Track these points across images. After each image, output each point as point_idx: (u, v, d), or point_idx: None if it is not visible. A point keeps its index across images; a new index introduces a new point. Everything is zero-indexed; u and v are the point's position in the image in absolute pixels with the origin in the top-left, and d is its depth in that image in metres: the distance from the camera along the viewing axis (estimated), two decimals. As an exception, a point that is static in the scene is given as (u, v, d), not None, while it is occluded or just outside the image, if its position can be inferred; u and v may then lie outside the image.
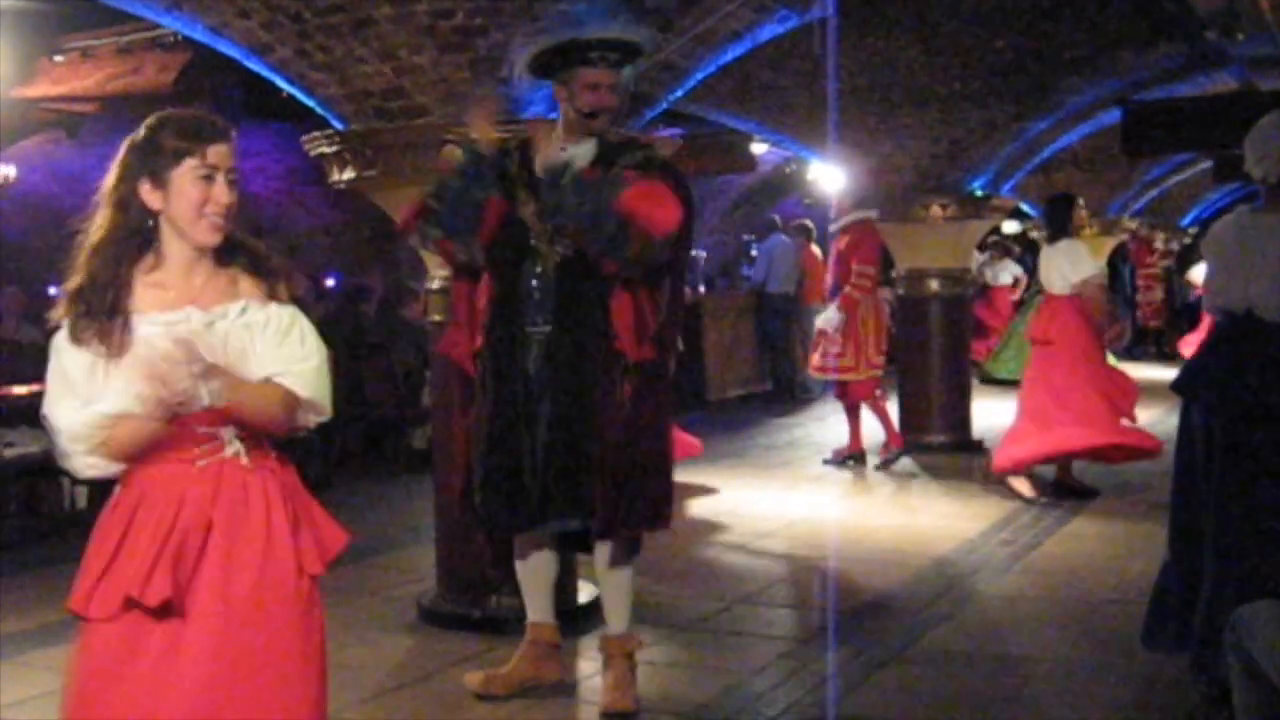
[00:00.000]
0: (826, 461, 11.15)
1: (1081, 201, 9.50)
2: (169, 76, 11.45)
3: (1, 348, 10.21)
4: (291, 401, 3.12)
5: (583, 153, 5.01)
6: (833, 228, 11.07)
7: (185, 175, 3.04)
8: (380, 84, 6.21)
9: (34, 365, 9.78)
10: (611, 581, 5.29)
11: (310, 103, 6.46)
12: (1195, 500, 5.05)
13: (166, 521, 2.99)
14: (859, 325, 10.56)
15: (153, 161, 3.05)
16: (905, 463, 11.03)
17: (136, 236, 3.09)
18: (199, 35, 6.55)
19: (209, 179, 3.05)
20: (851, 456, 11.03)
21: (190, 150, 3.04)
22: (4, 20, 10.39)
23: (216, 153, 3.06)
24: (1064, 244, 9.17)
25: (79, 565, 3.09)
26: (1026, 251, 18.83)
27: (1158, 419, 12.94)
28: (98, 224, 3.09)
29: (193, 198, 3.04)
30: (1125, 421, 9.08)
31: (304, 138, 6.78)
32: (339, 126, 6.52)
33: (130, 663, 3.01)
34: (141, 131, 3.10)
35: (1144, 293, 21.66)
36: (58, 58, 11.81)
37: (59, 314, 3.05)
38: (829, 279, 11.05)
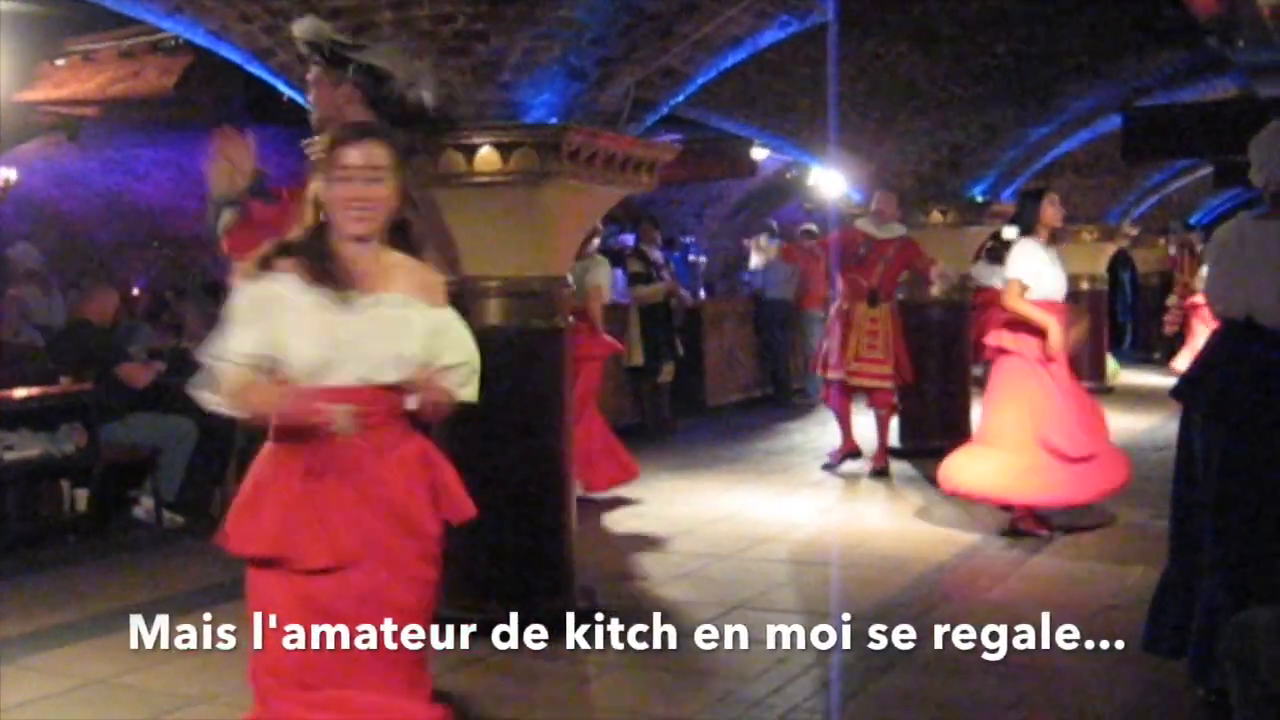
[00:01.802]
0: (826, 466, 11.16)
1: (1055, 197, 8.59)
2: (170, 80, 11.44)
3: (2, 350, 10.21)
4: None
5: None
6: (880, 232, 10.77)
7: (333, 176, 3.53)
8: (381, 88, 6.21)
9: (34, 368, 9.82)
10: None
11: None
12: (1194, 505, 5.06)
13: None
14: (897, 334, 10.62)
15: (324, 167, 3.58)
16: (905, 468, 11.04)
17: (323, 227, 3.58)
18: (200, 39, 6.55)
19: (345, 179, 3.52)
20: (849, 455, 11.05)
21: (335, 155, 3.55)
22: (5, 23, 10.39)
23: (348, 155, 3.53)
24: (1020, 243, 8.46)
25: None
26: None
27: (1158, 425, 12.97)
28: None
29: (335, 195, 3.52)
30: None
31: (304, 141, 6.77)
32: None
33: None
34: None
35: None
36: (59, 61, 11.80)
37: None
38: (866, 282, 10.72)
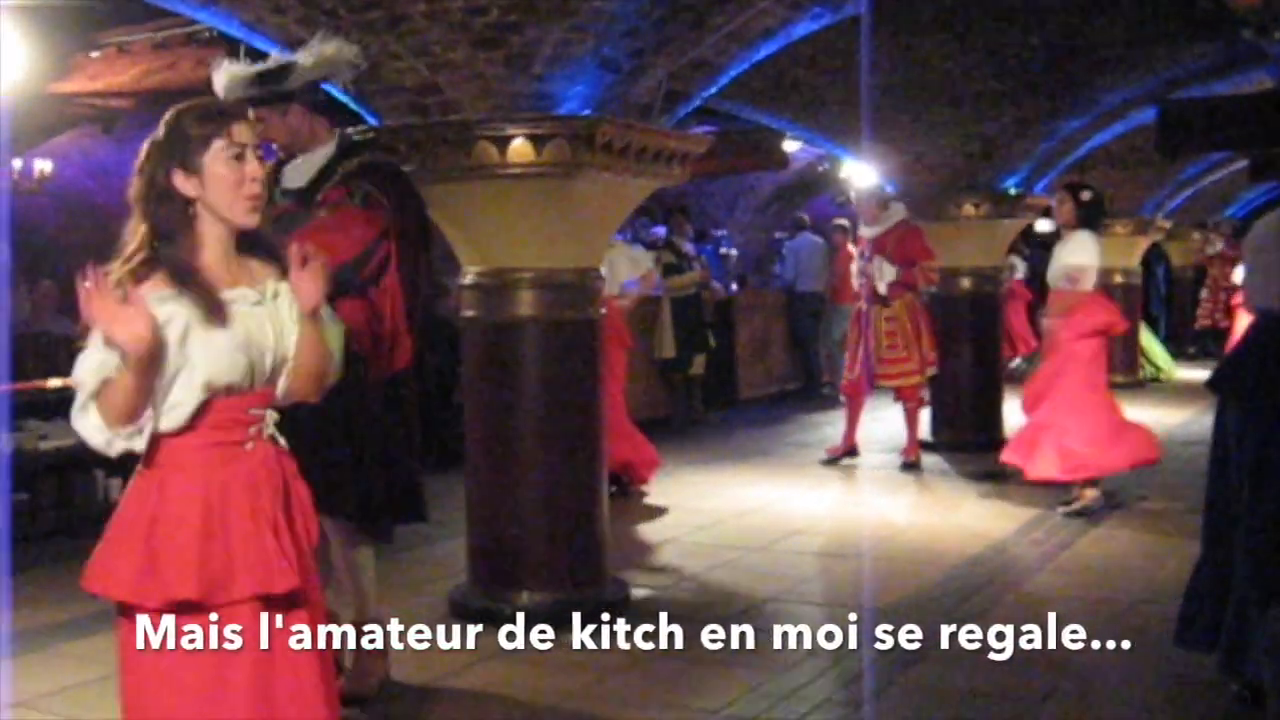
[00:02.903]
0: (824, 461, 11.13)
1: (1084, 195, 8.86)
2: (204, 72, 11.39)
3: (37, 341, 10.27)
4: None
5: (310, 162, 5.30)
6: (871, 232, 10.79)
7: (217, 158, 3.09)
8: (415, 80, 6.23)
9: (69, 359, 9.89)
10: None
11: (345, 98, 6.48)
12: (1228, 498, 5.04)
13: (247, 510, 3.09)
14: (917, 327, 10.56)
15: (181, 151, 3.09)
16: (936, 461, 11.02)
17: (185, 224, 3.12)
18: (235, 31, 6.57)
19: (240, 157, 3.10)
20: (848, 452, 11.06)
21: (217, 132, 3.10)
22: (41, 16, 10.44)
23: (241, 131, 3.12)
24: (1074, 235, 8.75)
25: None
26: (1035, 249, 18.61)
27: (1191, 419, 12.91)
28: (145, 222, 3.11)
29: (228, 178, 3.09)
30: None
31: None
32: (374, 122, 6.55)
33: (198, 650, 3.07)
34: (162, 128, 3.16)
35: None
36: (94, 53, 11.82)
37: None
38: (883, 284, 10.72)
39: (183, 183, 3.08)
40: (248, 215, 3.13)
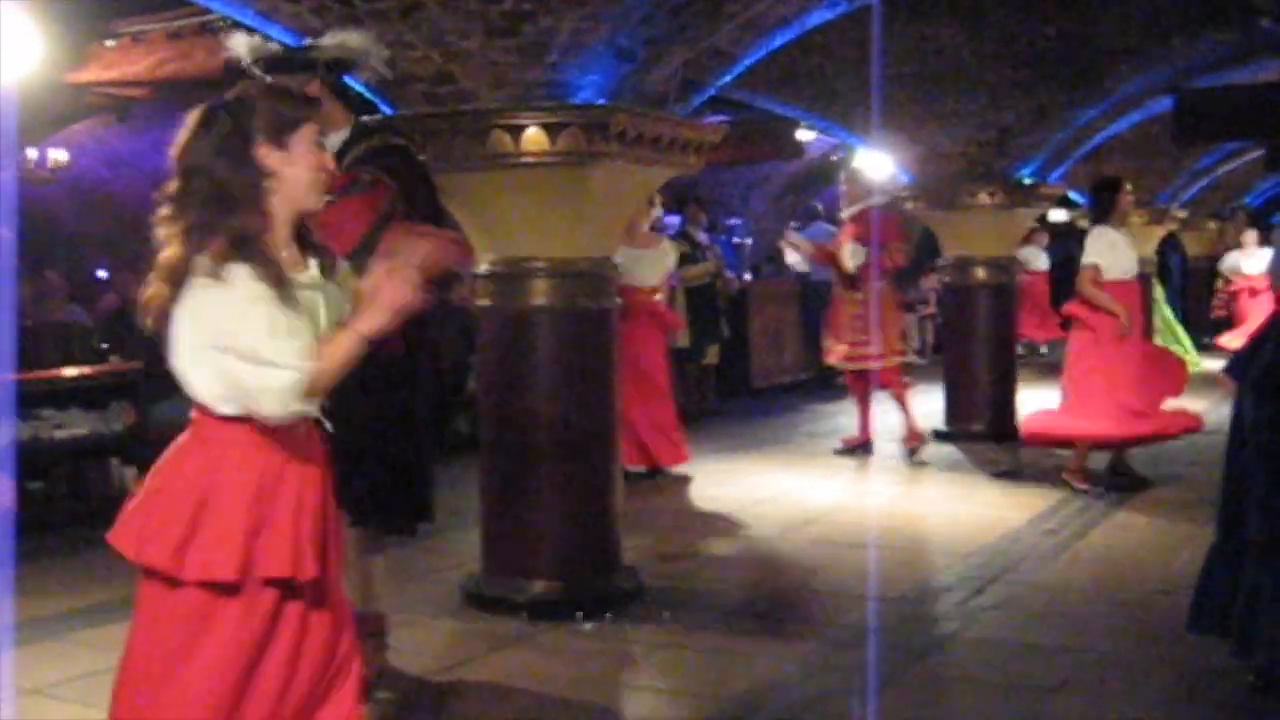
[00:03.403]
0: (837, 451, 11.11)
1: (1128, 187, 9.30)
2: (219, 62, 11.46)
3: (50, 330, 10.29)
4: None
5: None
6: (848, 213, 10.79)
7: (304, 140, 3.18)
8: (429, 69, 6.23)
9: (81, 347, 9.89)
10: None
11: (359, 87, 6.49)
12: (1243, 485, 5.03)
13: (293, 498, 3.15)
14: (885, 312, 10.50)
15: (275, 124, 3.15)
16: (950, 451, 11.00)
17: (259, 198, 3.14)
18: (249, 20, 6.57)
19: (320, 145, 3.23)
20: (860, 445, 11.04)
21: (308, 117, 3.22)
22: (56, 5, 10.46)
23: (320, 119, 3.30)
24: (1095, 230, 9.12)
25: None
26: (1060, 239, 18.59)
27: (1207, 409, 12.87)
28: (211, 181, 3.10)
29: (311, 161, 3.18)
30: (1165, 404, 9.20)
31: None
32: (388, 112, 6.54)
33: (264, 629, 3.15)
34: (250, 100, 3.20)
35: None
36: (109, 43, 11.84)
37: (207, 267, 3.05)
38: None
39: (267, 155, 3.12)
40: (317, 199, 3.23)
